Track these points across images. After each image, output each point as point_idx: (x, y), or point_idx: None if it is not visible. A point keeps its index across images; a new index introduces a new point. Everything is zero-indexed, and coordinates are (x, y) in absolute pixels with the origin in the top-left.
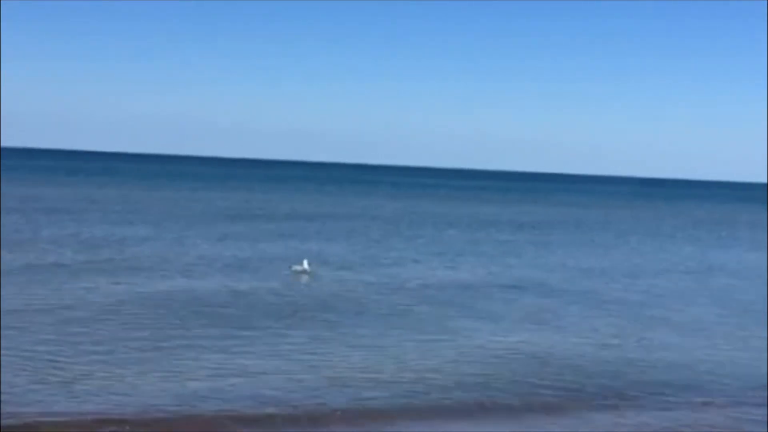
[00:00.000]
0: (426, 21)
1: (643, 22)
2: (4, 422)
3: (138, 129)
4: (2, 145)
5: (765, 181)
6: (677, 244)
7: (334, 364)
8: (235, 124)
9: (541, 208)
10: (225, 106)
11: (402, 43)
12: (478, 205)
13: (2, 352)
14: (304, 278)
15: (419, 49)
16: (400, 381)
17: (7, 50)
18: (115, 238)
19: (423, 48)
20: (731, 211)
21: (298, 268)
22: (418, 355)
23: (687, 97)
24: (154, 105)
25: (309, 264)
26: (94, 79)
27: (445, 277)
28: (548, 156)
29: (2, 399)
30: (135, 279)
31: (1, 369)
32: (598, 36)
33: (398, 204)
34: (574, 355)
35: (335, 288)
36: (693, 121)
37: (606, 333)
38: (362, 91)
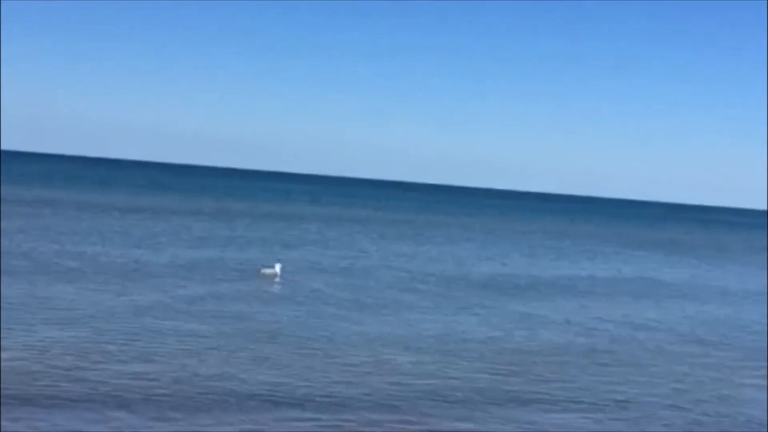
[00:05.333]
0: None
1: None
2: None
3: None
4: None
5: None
6: None
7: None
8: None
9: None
10: (229, 113)
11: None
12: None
13: None
14: (275, 282)
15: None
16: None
17: (7, 50)
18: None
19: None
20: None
21: (268, 271)
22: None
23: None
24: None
25: (281, 267)
26: (93, 83)
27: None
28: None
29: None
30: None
31: None
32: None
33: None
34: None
35: (306, 293)
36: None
37: None
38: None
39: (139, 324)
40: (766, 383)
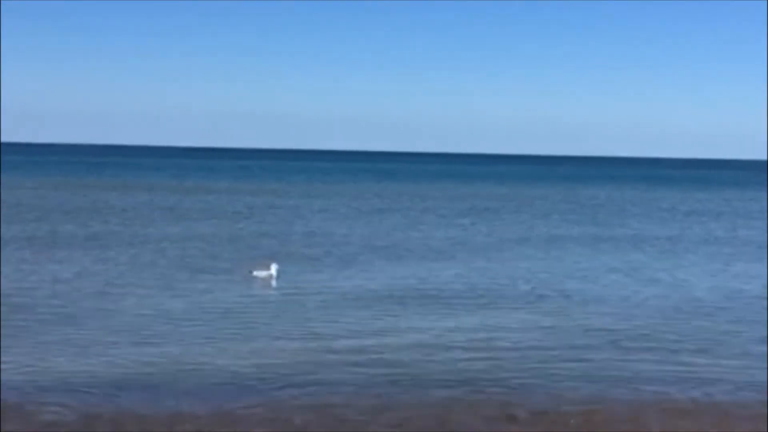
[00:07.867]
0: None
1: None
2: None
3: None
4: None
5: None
6: None
7: None
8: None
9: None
10: (223, 97)
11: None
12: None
13: None
14: (271, 286)
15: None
16: None
17: (7, 45)
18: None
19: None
20: None
21: (261, 273)
22: None
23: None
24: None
25: (277, 269)
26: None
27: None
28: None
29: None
30: None
31: None
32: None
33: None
34: None
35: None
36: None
37: None
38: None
39: None
40: None
